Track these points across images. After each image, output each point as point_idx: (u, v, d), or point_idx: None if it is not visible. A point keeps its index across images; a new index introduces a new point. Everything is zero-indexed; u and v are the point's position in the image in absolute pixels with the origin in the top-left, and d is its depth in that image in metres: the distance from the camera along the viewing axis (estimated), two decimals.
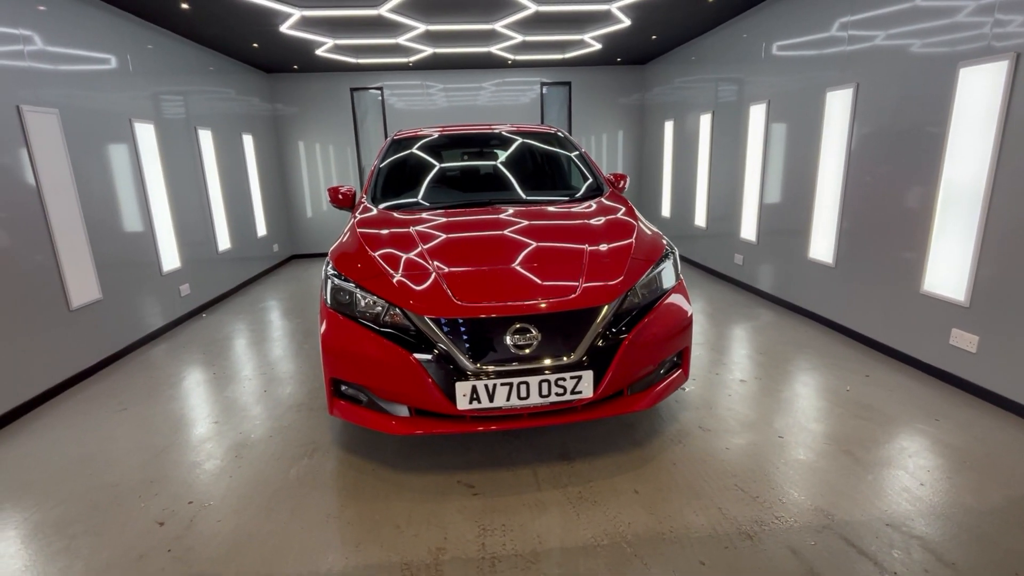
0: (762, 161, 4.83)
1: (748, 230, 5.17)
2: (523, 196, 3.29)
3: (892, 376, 3.18)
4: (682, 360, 2.56)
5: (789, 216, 4.50)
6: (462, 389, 2.11)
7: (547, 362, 2.15)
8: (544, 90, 7.81)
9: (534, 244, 2.48)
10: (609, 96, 7.89)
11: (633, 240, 2.55)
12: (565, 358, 2.16)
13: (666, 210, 7.28)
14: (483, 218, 2.80)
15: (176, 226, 4.87)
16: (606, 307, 2.22)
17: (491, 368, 2.12)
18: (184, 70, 5.23)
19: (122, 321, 4.06)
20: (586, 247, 2.45)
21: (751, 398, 3.03)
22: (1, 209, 3.02)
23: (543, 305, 2.16)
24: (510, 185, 3.54)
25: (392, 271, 2.31)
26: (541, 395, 2.16)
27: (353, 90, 7.63)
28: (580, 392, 2.19)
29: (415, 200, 3.18)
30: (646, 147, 7.93)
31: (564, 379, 2.16)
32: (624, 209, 2.95)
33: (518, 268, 2.31)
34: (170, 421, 2.96)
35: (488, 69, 7.64)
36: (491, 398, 2.13)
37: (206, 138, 5.54)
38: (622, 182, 3.73)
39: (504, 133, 3.87)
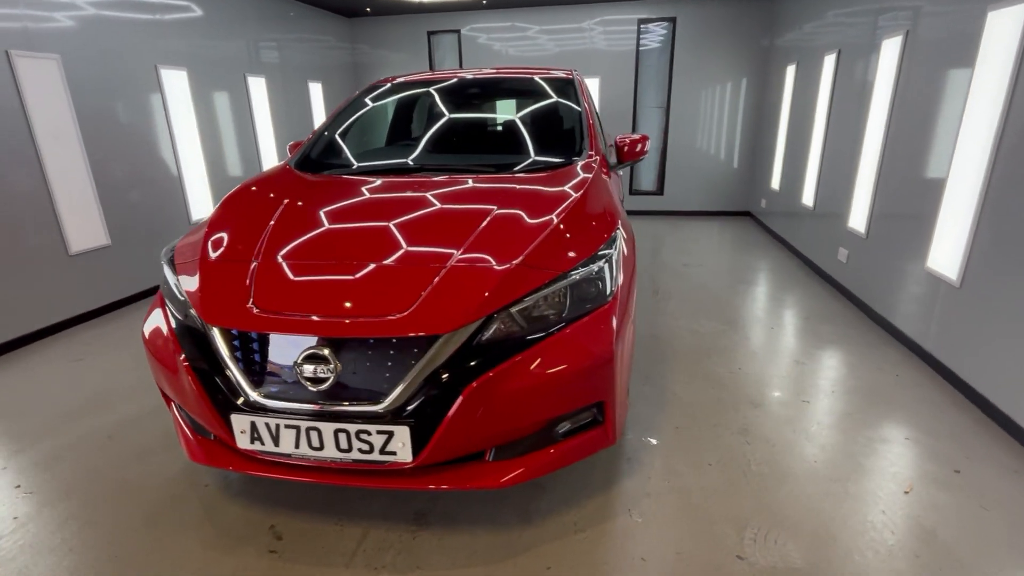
0: (887, 118, 3.40)
1: (858, 216, 3.78)
2: (478, 163, 2.56)
3: None
4: (604, 416, 1.75)
5: (908, 200, 3.12)
6: (239, 424, 1.59)
7: (347, 406, 1.53)
8: (643, 30, 6.57)
9: (406, 237, 1.80)
10: (726, 38, 6.40)
11: (542, 238, 1.74)
12: (373, 405, 1.52)
13: (776, 181, 5.81)
14: (388, 196, 2.13)
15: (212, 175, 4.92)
16: (442, 338, 1.51)
17: (273, 403, 1.57)
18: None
19: (132, 267, 4.18)
20: (459, 248, 1.71)
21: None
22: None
23: (347, 323, 1.52)
24: (473, 148, 2.83)
25: (213, 255, 1.83)
26: (340, 449, 1.56)
27: (430, 34, 7.13)
28: (393, 454, 1.54)
29: (343, 163, 2.62)
30: (765, 102, 6.36)
31: (369, 433, 1.53)
32: (577, 185, 2.10)
33: (367, 268, 1.67)
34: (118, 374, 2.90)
35: (571, 6, 6.60)
36: (275, 441, 1.59)
37: (258, 85, 5.50)
38: (639, 145, 2.79)
39: (502, 82, 3.11)
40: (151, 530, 1.84)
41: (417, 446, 1.53)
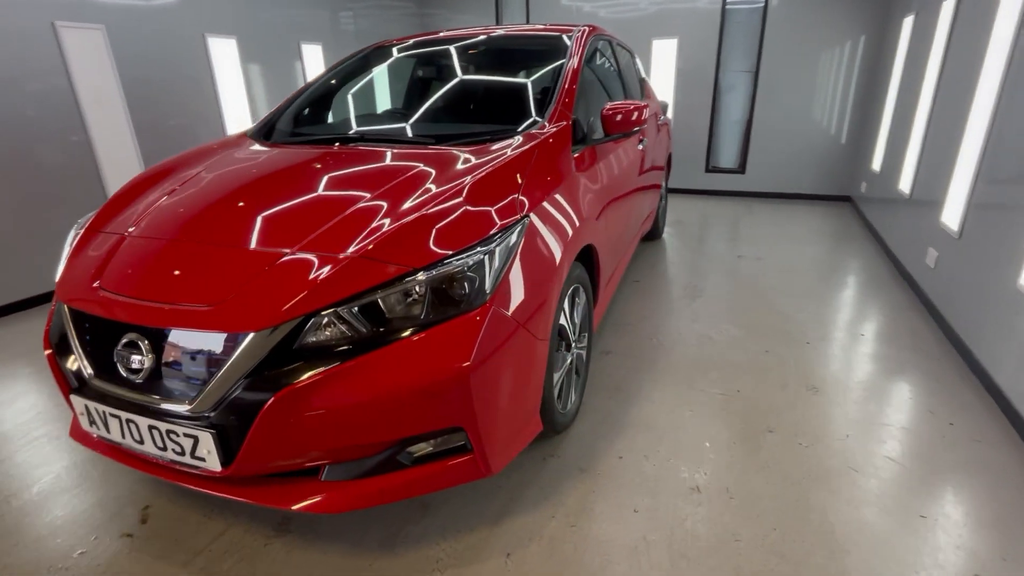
0: (1001, 82, 2.55)
1: (952, 209, 2.93)
2: (419, 134, 2.28)
3: None
4: (472, 444, 1.45)
5: (1017, 190, 2.32)
6: (78, 405, 1.52)
7: (158, 402, 1.39)
8: None
9: (266, 220, 1.58)
10: None
11: (399, 226, 1.45)
12: (181, 404, 1.36)
13: (877, 161, 4.80)
14: (286, 171, 1.89)
15: None
16: (252, 338, 1.31)
17: (105, 388, 1.47)
18: None
19: None
20: (308, 235, 1.46)
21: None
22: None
23: (163, 311, 1.37)
24: (429, 117, 2.54)
25: (102, 223, 1.77)
26: (157, 446, 1.43)
27: None
28: (202, 460, 1.39)
29: (290, 132, 2.45)
30: (879, 64, 5.25)
31: (177, 435, 1.38)
32: (488, 160, 1.75)
33: (207, 252, 1.50)
34: None
35: None
36: (107, 428, 1.50)
37: (314, 53, 5.56)
38: (635, 114, 2.31)
39: (482, 44, 2.76)
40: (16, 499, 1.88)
41: (227, 455, 1.36)
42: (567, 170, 1.97)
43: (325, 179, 1.78)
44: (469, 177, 1.64)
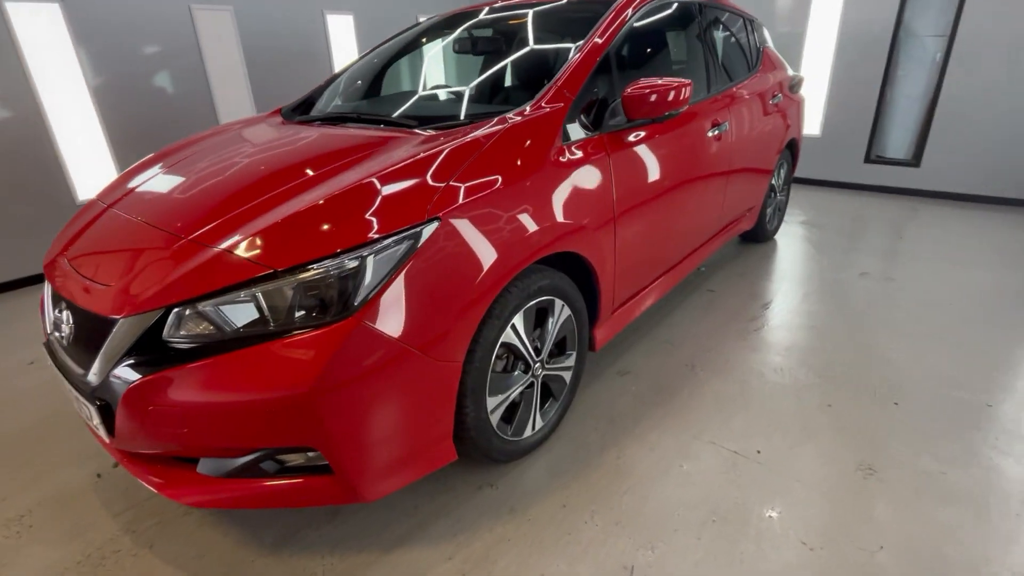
0: None
1: None
2: (411, 115, 2.10)
3: None
4: (333, 467, 1.32)
5: None
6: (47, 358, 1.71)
7: (71, 370, 1.48)
8: None
9: (207, 200, 1.57)
10: None
11: (279, 220, 1.34)
12: (82, 375, 1.44)
13: None
14: (261, 151, 1.88)
15: None
16: (121, 322, 1.31)
17: (51, 346, 1.62)
18: None
19: None
20: (216, 220, 1.43)
21: None
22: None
23: (76, 284, 1.45)
24: (436, 96, 2.33)
25: (104, 195, 1.94)
26: (83, 414, 1.54)
27: None
28: (99, 431, 1.46)
29: (315, 109, 2.45)
30: None
31: (83, 402, 1.46)
32: (439, 147, 1.53)
33: (141, 230, 1.55)
34: None
35: None
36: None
37: None
38: (671, 94, 1.89)
39: (518, 16, 2.46)
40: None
41: (109, 430, 1.41)
42: (538, 164, 1.66)
43: (275, 163, 1.73)
44: (387, 168, 1.46)
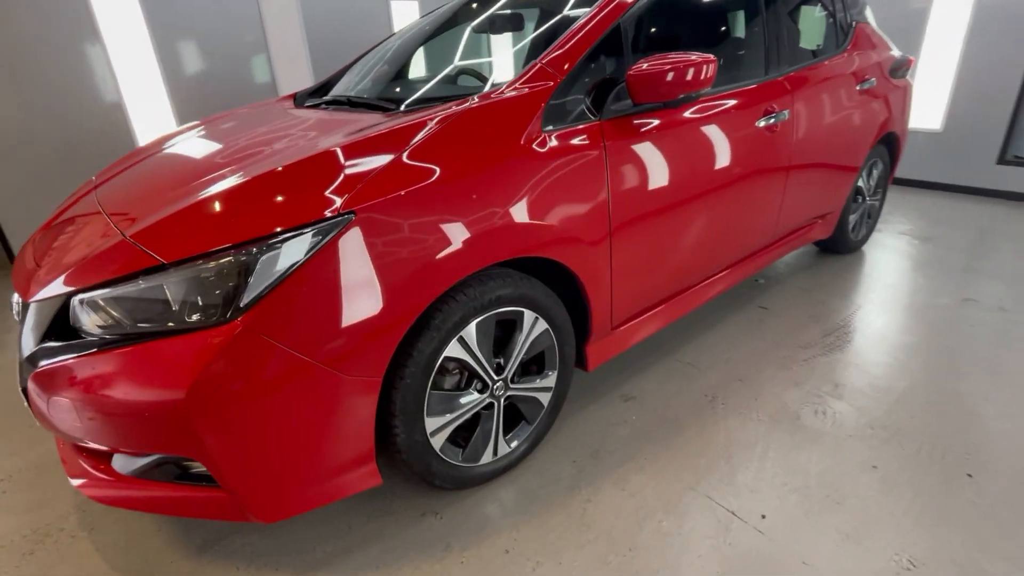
0: None
1: None
2: (400, 95, 1.93)
3: None
4: (219, 480, 1.21)
5: None
6: None
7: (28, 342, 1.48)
8: None
9: (167, 190, 1.52)
10: None
11: (181, 208, 1.23)
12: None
13: None
14: (247, 136, 1.78)
15: None
16: (32, 306, 1.28)
17: None
18: None
19: None
20: (159, 210, 1.33)
21: None
22: None
23: (28, 263, 1.44)
24: (432, 75, 2.11)
25: (97, 179, 1.97)
26: None
27: None
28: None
29: (324, 94, 2.34)
30: None
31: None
32: (363, 134, 1.36)
33: (108, 215, 1.49)
34: None
35: None
36: None
37: None
38: (691, 72, 1.57)
39: None
40: None
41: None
42: (504, 153, 1.42)
43: (245, 149, 1.64)
44: (309, 155, 1.30)
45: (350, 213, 1.19)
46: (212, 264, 1.12)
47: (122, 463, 1.33)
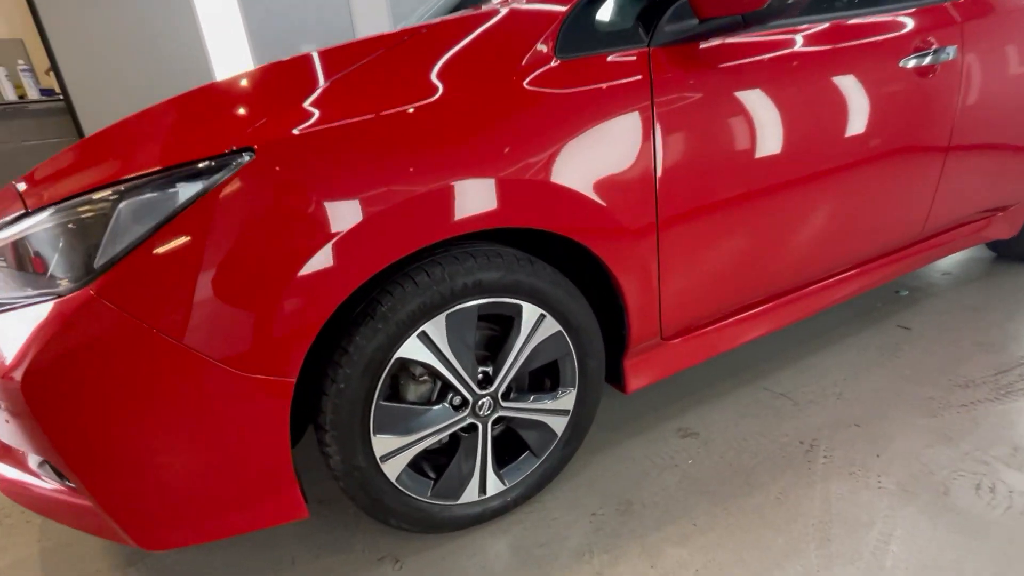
0: None
1: None
2: None
3: None
4: (79, 489, 0.95)
5: None
6: None
7: None
8: None
9: None
10: None
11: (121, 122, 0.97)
12: None
13: None
14: None
15: None
16: None
17: None
18: None
19: None
20: None
21: None
22: None
23: None
24: None
25: None
26: None
27: None
28: None
29: None
30: None
31: None
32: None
33: None
34: None
35: None
36: None
37: None
38: None
39: None
40: None
41: None
42: (491, 84, 1.03)
43: None
44: (222, 80, 1.00)
45: (247, 151, 0.88)
46: (64, 212, 0.86)
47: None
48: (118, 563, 1.29)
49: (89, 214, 0.85)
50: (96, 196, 0.85)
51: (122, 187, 0.85)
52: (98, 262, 0.84)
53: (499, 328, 1.22)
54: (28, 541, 1.38)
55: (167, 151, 0.87)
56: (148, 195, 0.85)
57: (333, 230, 0.91)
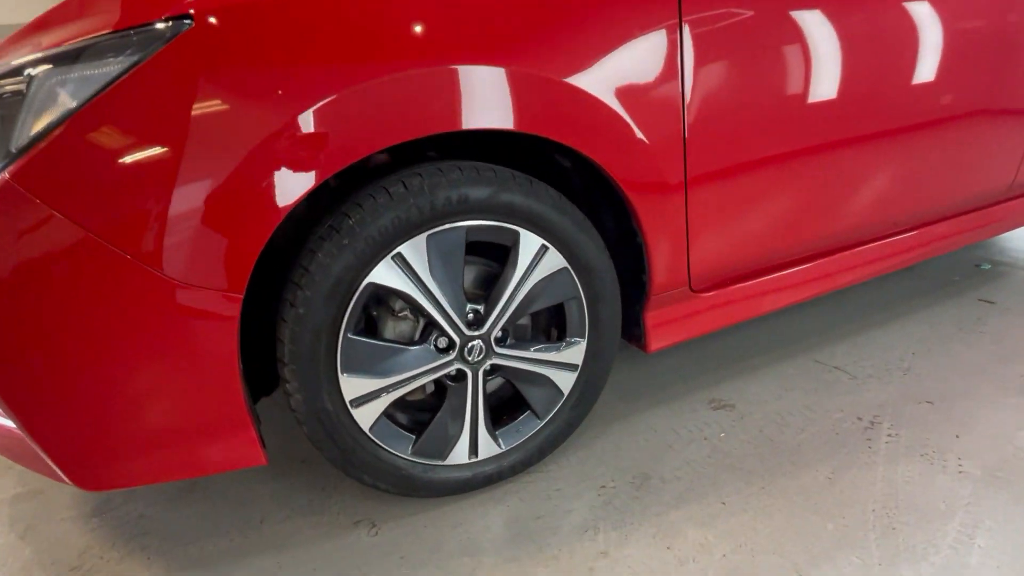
0: None
1: None
2: None
3: None
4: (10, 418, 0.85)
5: None
6: None
7: None
8: None
9: None
10: None
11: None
12: None
13: None
14: None
15: None
16: None
17: None
18: None
19: None
20: None
21: None
22: None
23: None
24: None
25: None
26: None
27: None
28: None
29: None
30: None
31: None
32: None
33: None
34: None
35: None
36: None
37: None
38: None
39: None
40: None
41: None
42: None
43: None
44: None
45: (184, 18, 0.75)
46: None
47: None
48: (85, 512, 1.20)
49: (10, 89, 0.75)
50: (10, 69, 0.74)
51: (39, 60, 0.74)
52: (14, 144, 0.74)
53: (499, 265, 1.05)
54: (4, 486, 1.32)
55: (95, 22, 0.76)
56: (70, 71, 0.73)
57: (285, 113, 0.77)
